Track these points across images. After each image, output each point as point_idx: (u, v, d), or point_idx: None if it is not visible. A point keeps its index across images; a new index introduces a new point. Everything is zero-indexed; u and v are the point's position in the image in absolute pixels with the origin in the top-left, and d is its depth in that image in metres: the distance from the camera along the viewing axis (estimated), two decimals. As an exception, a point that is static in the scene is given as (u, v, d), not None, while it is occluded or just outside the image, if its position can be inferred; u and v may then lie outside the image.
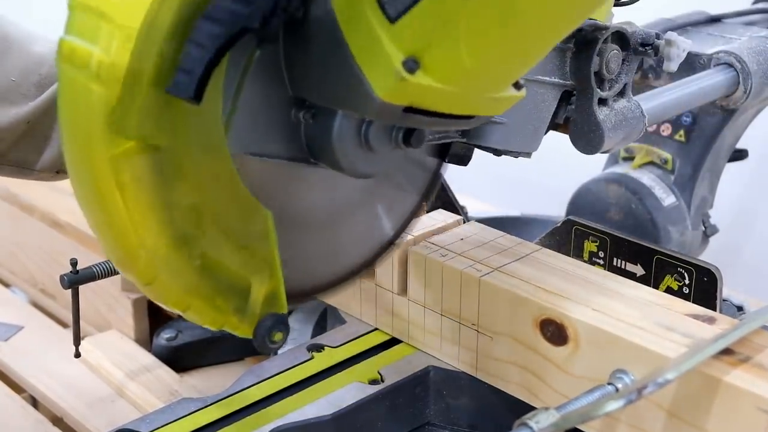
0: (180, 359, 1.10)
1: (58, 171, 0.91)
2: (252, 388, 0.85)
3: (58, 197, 1.29)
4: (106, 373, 1.06)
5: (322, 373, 0.87)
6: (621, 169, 1.11)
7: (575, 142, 0.82)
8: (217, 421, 0.81)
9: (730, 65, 0.99)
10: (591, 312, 0.76)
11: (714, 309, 0.80)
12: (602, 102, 0.81)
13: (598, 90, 0.79)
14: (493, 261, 0.84)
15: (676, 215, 1.08)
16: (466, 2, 0.56)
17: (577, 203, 1.13)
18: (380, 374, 0.86)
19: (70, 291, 0.90)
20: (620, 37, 0.80)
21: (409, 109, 0.61)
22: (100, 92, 0.56)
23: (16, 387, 1.09)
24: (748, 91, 0.99)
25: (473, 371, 0.84)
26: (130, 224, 0.59)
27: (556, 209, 1.17)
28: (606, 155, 1.15)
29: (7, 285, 1.34)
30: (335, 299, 0.98)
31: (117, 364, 1.07)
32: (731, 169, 1.13)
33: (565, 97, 0.81)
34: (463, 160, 0.80)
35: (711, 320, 0.75)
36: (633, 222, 1.08)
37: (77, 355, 0.93)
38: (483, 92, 0.63)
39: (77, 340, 0.93)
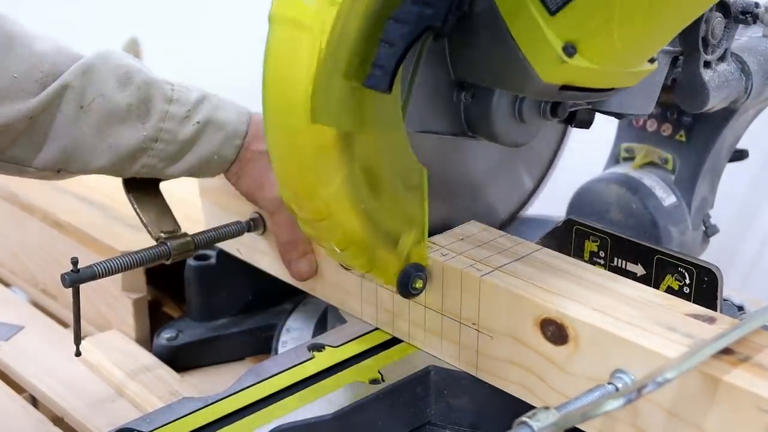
0: (180, 359, 1.10)
1: (59, 170, 0.91)
2: (252, 387, 0.85)
3: (58, 197, 1.29)
4: (107, 373, 1.06)
5: (322, 372, 0.87)
6: (622, 169, 1.11)
7: (682, 101, 0.93)
8: (218, 420, 0.81)
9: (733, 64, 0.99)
10: (591, 312, 0.76)
11: (714, 309, 0.80)
12: (707, 65, 0.91)
13: (704, 54, 0.90)
14: (493, 261, 0.84)
15: (677, 215, 1.08)
16: None
17: (578, 203, 1.13)
18: (381, 374, 0.86)
19: (70, 290, 0.90)
20: (723, 6, 0.90)
21: (565, 87, 0.72)
22: (310, 42, 0.67)
23: (16, 387, 1.09)
24: (748, 92, 0.99)
25: (474, 371, 0.84)
26: (317, 168, 0.72)
27: (556, 209, 1.17)
28: (606, 154, 1.15)
29: (7, 285, 1.34)
30: (336, 299, 0.98)
31: (117, 364, 1.07)
32: (732, 170, 1.13)
33: (673, 61, 0.91)
34: (586, 123, 0.88)
35: (711, 320, 0.75)
36: (633, 222, 1.08)
37: (78, 354, 0.93)
38: (627, 68, 0.73)
39: (78, 339, 0.93)
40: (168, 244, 0.95)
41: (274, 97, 0.71)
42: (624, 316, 0.75)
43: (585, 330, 0.75)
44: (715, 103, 0.93)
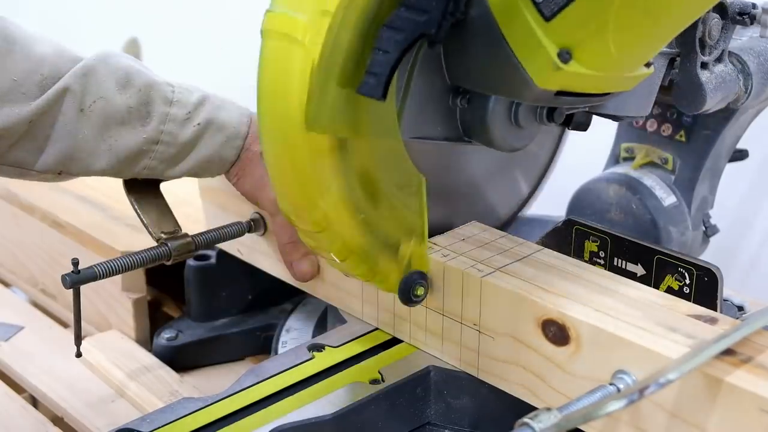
0: (180, 359, 1.10)
1: (60, 172, 0.91)
2: (252, 387, 0.85)
3: (58, 197, 1.29)
4: (107, 373, 1.06)
5: (322, 372, 0.87)
6: (621, 169, 1.11)
7: (679, 102, 0.92)
8: (218, 420, 0.81)
9: (731, 65, 0.99)
10: (593, 312, 0.76)
11: (714, 309, 0.80)
12: (704, 66, 0.91)
13: (701, 55, 0.89)
14: (494, 261, 0.84)
15: (677, 215, 1.08)
16: (614, 1, 0.65)
17: (578, 203, 1.13)
18: (381, 374, 0.86)
19: (71, 291, 0.90)
20: (721, 7, 0.89)
21: (560, 93, 0.72)
22: (302, 55, 0.67)
23: (16, 387, 1.09)
24: (748, 92, 0.99)
25: (475, 372, 0.84)
26: (315, 179, 0.72)
27: (556, 209, 1.17)
28: (606, 154, 1.15)
29: (7, 285, 1.34)
30: (337, 299, 0.98)
31: (117, 364, 1.07)
32: (732, 170, 1.13)
33: (670, 63, 0.91)
34: (583, 126, 0.88)
35: (713, 321, 0.75)
36: (633, 222, 1.08)
37: (78, 354, 0.93)
38: (623, 73, 0.73)
39: (78, 340, 0.93)
40: (168, 244, 0.95)
41: (268, 108, 0.72)
42: (625, 317, 0.75)
43: (586, 331, 0.75)
44: (712, 104, 0.93)
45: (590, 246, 0.94)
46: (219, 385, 0.97)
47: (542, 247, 0.88)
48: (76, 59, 0.90)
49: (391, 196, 0.78)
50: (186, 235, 0.97)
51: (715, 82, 0.92)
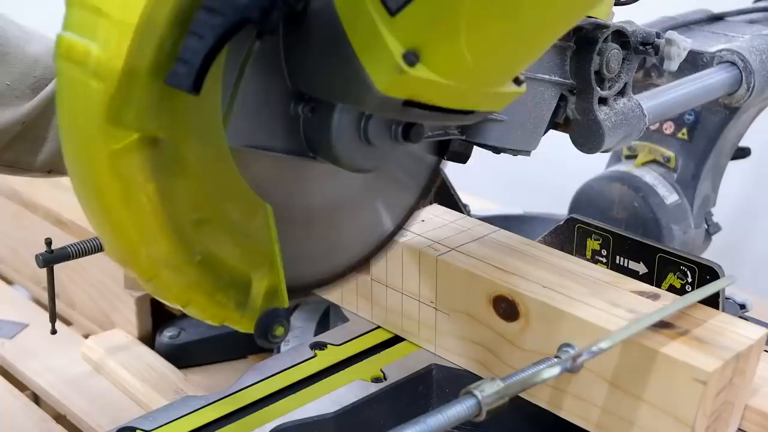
0: (183, 357, 1.10)
1: (50, 171, 0.91)
2: (255, 385, 0.85)
3: (61, 195, 1.29)
4: (109, 371, 1.06)
5: (324, 371, 0.87)
6: (624, 167, 1.11)
7: (575, 141, 0.82)
8: (220, 418, 0.81)
9: (733, 63, 0.99)
10: (541, 289, 0.79)
11: (717, 307, 0.80)
12: (602, 101, 0.81)
13: (599, 89, 0.79)
14: (450, 241, 0.87)
15: (679, 213, 1.08)
16: None
17: (580, 201, 1.13)
18: (383, 372, 0.86)
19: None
20: (620, 36, 0.80)
21: (409, 103, 0.61)
22: (99, 88, 0.56)
23: (19, 384, 1.09)
24: (750, 90, 0.99)
25: (432, 348, 0.87)
26: (131, 221, 0.59)
27: (558, 207, 1.17)
28: (608, 154, 1.15)
29: (10, 283, 1.34)
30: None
31: (120, 362, 1.07)
32: (734, 168, 1.13)
33: (565, 96, 0.81)
34: (461, 157, 0.80)
35: (655, 297, 0.79)
36: (636, 220, 1.08)
37: (53, 332, 0.95)
38: (483, 86, 0.63)
39: (53, 318, 0.95)
40: None
41: (70, 139, 0.60)
42: (572, 293, 0.78)
43: (534, 306, 0.78)
44: (611, 144, 0.83)
45: (592, 244, 0.95)
46: (222, 382, 0.97)
47: (498, 228, 0.91)
48: None
49: (231, 227, 0.65)
50: None
51: (615, 120, 0.81)
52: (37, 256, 0.91)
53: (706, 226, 1.12)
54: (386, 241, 0.81)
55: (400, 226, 0.82)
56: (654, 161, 1.10)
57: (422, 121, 0.68)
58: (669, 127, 1.09)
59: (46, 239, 0.92)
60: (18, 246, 1.34)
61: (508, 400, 0.63)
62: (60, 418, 1.02)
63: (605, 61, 0.79)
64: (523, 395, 0.77)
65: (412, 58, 0.57)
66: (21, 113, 0.86)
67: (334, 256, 0.77)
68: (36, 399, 1.08)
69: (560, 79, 0.79)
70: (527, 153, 0.81)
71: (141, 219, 0.60)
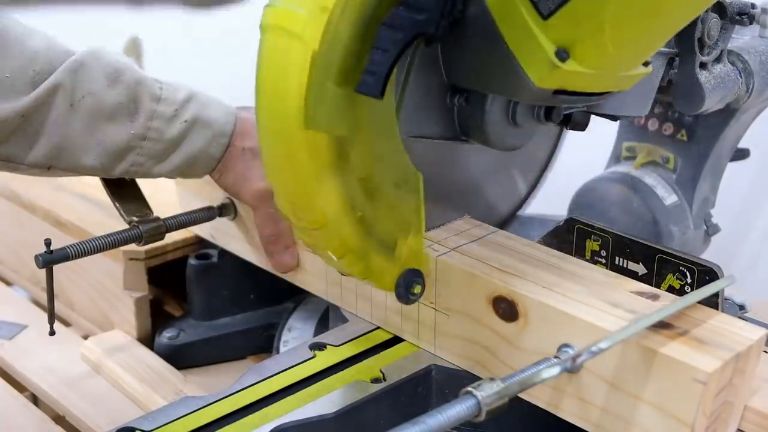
0: (182, 358, 1.10)
1: (49, 167, 0.91)
2: (254, 386, 0.85)
3: (60, 196, 1.29)
4: (109, 372, 1.06)
5: (324, 371, 0.87)
6: (623, 168, 1.11)
7: (677, 102, 0.91)
8: (220, 419, 0.81)
9: (732, 64, 0.99)
10: (541, 289, 0.79)
11: (716, 308, 0.80)
12: (703, 66, 0.90)
13: (700, 55, 0.88)
14: (450, 242, 0.88)
15: (678, 214, 1.08)
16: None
17: (579, 202, 1.13)
18: (382, 373, 0.86)
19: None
20: (719, 7, 0.89)
21: (558, 91, 0.71)
22: (302, 49, 0.67)
23: (17, 385, 1.09)
24: (750, 91, 0.99)
25: (432, 348, 0.88)
26: (314, 174, 0.71)
27: (558, 208, 1.17)
28: (608, 154, 1.15)
29: (9, 284, 1.34)
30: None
31: (119, 363, 1.07)
32: (733, 169, 1.13)
33: (669, 62, 0.90)
34: (581, 126, 0.87)
35: (655, 297, 0.79)
36: (635, 221, 1.08)
37: (52, 333, 0.95)
38: (621, 72, 0.72)
39: (52, 319, 0.95)
40: (140, 227, 0.98)
41: (267, 105, 0.71)
42: (571, 293, 0.79)
43: (534, 306, 0.78)
44: (711, 104, 0.93)
45: (591, 245, 0.94)
46: (221, 383, 0.97)
47: (497, 229, 0.91)
48: (68, 53, 0.90)
49: (388, 194, 0.78)
50: (157, 219, 1.00)
51: (714, 83, 0.91)
52: (36, 257, 0.92)
53: (705, 227, 1.12)
54: (523, 201, 1.04)
55: (532, 188, 1.04)
56: (653, 162, 1.10)
57: (567, 105, 0.80)
58: (668, 128, 1.09)
59: (45, 240, 0.92)
60: (17, 247, 1.34)
61: (507, 401, 0.64)
62: (59, 418, 1.02)
63: (707, 29, 0.88)
64: (522, 395, 0.77)
65: (563, 54, 0.67)
66: (20, 107, 0.87)
67: (482, 217, 0.93)
68: (35, 400, 1.08)
69: (666, 49, 0.89)
70: (640, 117, 0.95)
71: (322, 173, 0.71)
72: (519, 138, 0.84)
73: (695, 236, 1.11)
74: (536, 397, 0.79)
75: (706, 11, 0.88)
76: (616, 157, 1.14)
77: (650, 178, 1.08)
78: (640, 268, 0.91)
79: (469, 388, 0.63)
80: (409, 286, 0.81)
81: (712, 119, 1.04)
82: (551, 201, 1.17)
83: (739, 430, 0.77)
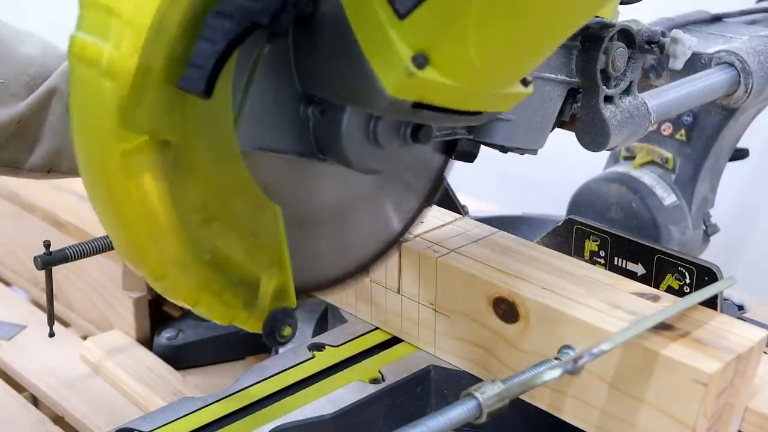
0: (181, 358, 1.10)
1: (49, 170, 0.91)
2: (253, 387, 0.85)
3: (59, 196, 1.29)
4: (108, 372, 1.06)
5: (323, 372, 0.87)
6: (622, 168, 1.11)
7: (581, 139, 0.82)
8: (219, 419, 0.81)
9: (731, 64, 0.99)
10: (541, 290, 0.79)
11: (715, 308, 0.80)
12: (608, 99, 0.81)
13: (604, 87, 0.80)
14: (450, 243, 0.87)
15: (677, 214, 1.08)
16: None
17: (578, 202, 1.13)
18: (381, 373, 0.86)
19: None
20: (626, 35, 0.80)
21: (418, 105, 0.61)
22: (112, 88, 0.57)
23: (17, 386, 1.09)
24: (748, 91, 0.99)
25: (432, 350, 0.87)
26: (141, 221, 0.60)
27: (557, 208, 1.17)
28: (607, 154, 1.15)
29: (8, 284, 1.34)
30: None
31: (118, 364, 1.07)
32: (732, 169, 1.13)
33: (571, 95, 0.81)
34: (469, 156, 0.81)
35: (655, 298, 0.79)
36: (634, 221, 1.08)
37: (51, 333, 0.95)
38: (491, 88, 0.64)
39: (51, 320, 0.95)
40: None
41: (83, 139, 0.60)
42: (572, 295, 0.78)
43: (535, 308, 0.78)
44: (617, 142, 0.83)
45: (590, 245, 0.95)
46: (220, 383, 0.97)
47: (497, 230, 0.91)
48: (63, 57, 0.90)
49: (240, 228, 0.66)
50: None
51: (621, 118, 0.82)
52: (35, 258, 0.91)
53: (704, 227, 1.12)
54: (393, 242, 0.81)
55: (407, 227, 0.82)
56: (652, 162, 1.10)
57: (431, 123, 0.69)
58: (667, 129, 1.09)
59: (44, 242, 0.92)
60: (16, 247, 1.34)
61: (508, 402, 0.64)
62: (58, 419, 1.02)
63: (611, 59, 0.80)
64: (523, 397, 0.77)
65: (420, 60, 0.58)
66: (16, 112, 0.87)
67: (342, 256, 0.78)
68: (34, 400, 1.08)
69: (566, 78, 0.80)
70: (534, 152, 0.81)
71: (151, 218, 0.60)
72: (381, 160, 0.70)
73: (694, 236, 1.11)
74: (537, 399, 0.79)
75: (611, 40, 0.79)
76: (614, 157, 1.14)
77: (649, 178, 1.08)
78: (639, 269, 0.91)
79: (470, 390, 0.63)
80: (277, 329, 0.68)
81: (711, 119, 1.04)
82: (550, 201, 1.17)
83: (739, 431, 0.77)
